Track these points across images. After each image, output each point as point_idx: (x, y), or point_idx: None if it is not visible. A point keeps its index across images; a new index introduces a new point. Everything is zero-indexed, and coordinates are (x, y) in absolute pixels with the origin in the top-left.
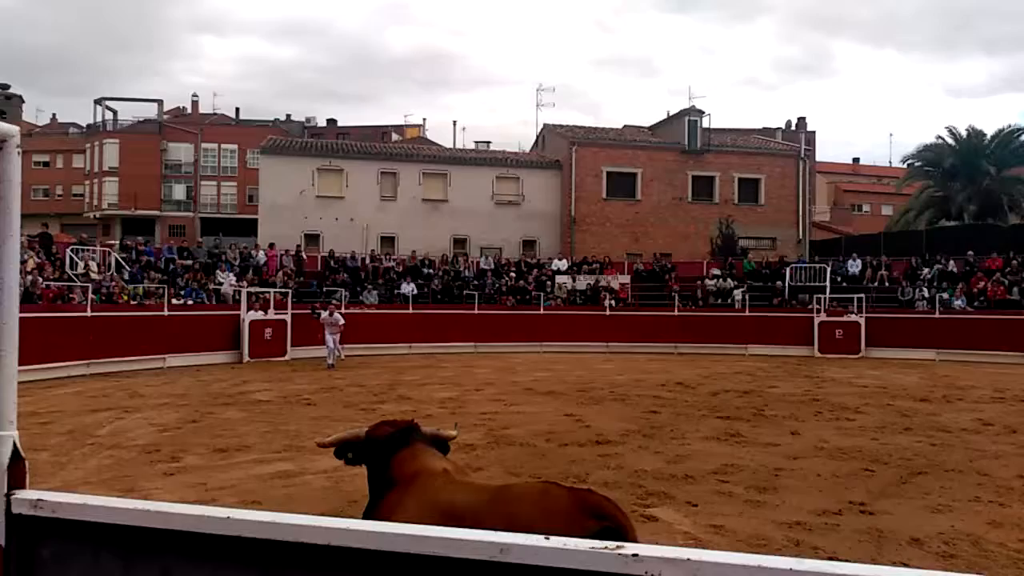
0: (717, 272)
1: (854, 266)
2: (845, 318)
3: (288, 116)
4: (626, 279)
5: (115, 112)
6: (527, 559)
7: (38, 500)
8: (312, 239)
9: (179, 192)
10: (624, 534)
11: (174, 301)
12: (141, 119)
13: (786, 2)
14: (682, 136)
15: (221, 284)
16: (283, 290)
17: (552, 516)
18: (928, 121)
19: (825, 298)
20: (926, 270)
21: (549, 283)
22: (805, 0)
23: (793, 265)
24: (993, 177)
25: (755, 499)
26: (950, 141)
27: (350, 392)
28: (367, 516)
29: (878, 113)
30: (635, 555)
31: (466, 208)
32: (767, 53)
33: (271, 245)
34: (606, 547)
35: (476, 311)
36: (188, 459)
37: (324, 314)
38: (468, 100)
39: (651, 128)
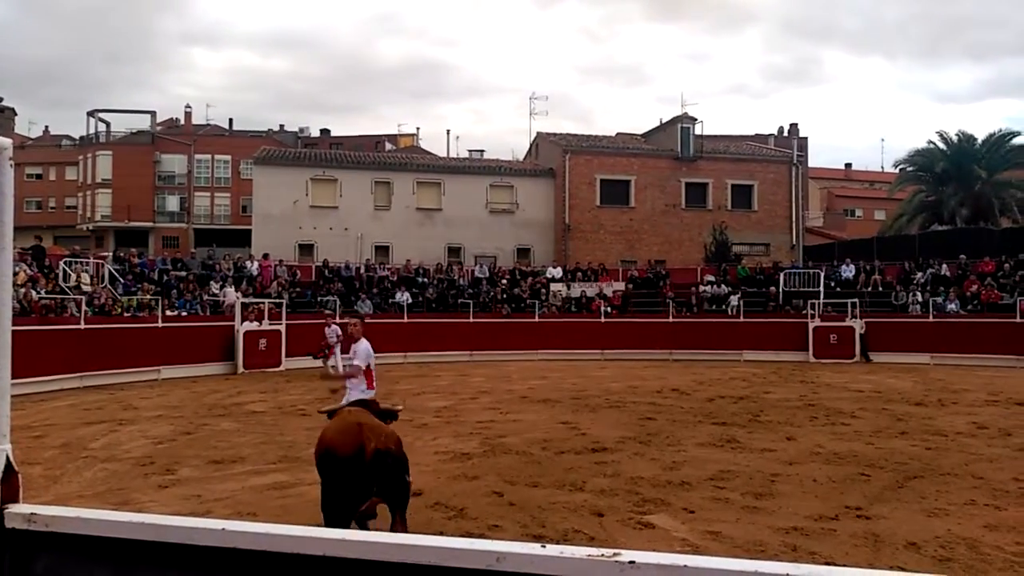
0: (711, 278)
1: (848, 271)
2: (843, 323)
3: (281, 126)
4: (620, 286)
5: (108, 124)
6: (524, 567)
7: (32, 514)
8: (306, 249)
9: (172, 203)
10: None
11: (168, 312)
12: (134, 131)
13: (772, 11)
14: (675, 143)
15: (219, 297)
16: (277, 300)
17: (344, 435)
18: (918, 127)
19: (819, 303)
20: (919, 274)
21: (544, 291)
22: (791, 9)
23: (787, 271)
24: (985, 181)
25: (752, 505)
26: (941, 146)
27: None
28: None
29: (869, 119)
30: (632, 562)
31: (460, 217)
32: (755, 61)
33: (265, 255)
34: (603, 555)
35: (471, 319)
36: (183, 471)
37: (328, 330)
38: (460, 110)
39: (644, 136)
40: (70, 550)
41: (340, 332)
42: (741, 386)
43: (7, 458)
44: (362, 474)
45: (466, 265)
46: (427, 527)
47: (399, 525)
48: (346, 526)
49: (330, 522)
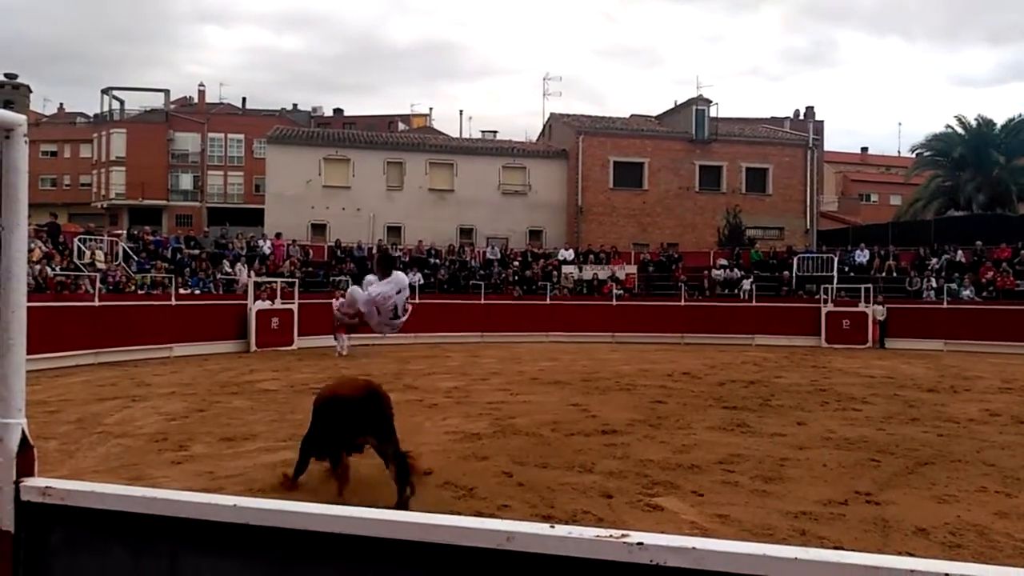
0: (724, 262)
1: (862, 256)
2: (856, 308)
3: (294, 106)
4: (633, 269)
5: (122, 102)
6: (532, 547)
7: (47, 487)
8: (319, 229)
9: (186, 182)
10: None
11: (181, 291)
12: (148, 109)
13: None
14: (689, 125)
15: (234, 276)
16: (290, 280)
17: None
18: (936, 111)
19: (832, 288)
20: (934, 260)
21: (555, 273)
22: None
23: (800, 255)
24: (1002, 167)
25: (761, 489)
26: (959, 130)
27: None
28: None
29: (886, 102)
30: (640, 543)
31: (473, 198)
32: (772, 43)
33: (278, 235)
34: (611, 536)
35: (482, 301)
36: (195, 448)
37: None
38: (473, 90)
39: (658, 117)
40: (85, 524)
41: None
42: (752, 370)
43: (23, 432)
44: (367, 411)
45: (478, 246)
46: (437, 506)
47: (394, 460)
48: (337, 456)
49: (328, 454)
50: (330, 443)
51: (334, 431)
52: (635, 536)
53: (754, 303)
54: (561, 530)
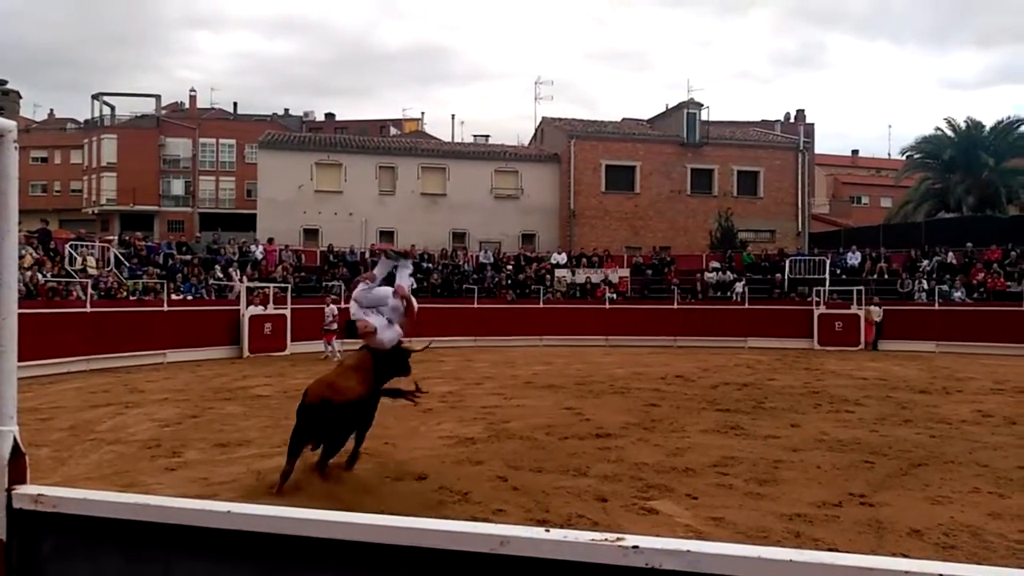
0: (716, 265)
1: (853, 258)
2: (848, 310)
3: (286, 110)
4: (625, 272)
5: (113, 107)
6: (527, 551)
7: (39, 495)
8: (311, 234)
9: (177, 187)
10: (333, 406)
11: (173, 296)
12: (139, 114)
13: None
14: (681, 129)
15: (227, 282)
16: (283, 285)
17: (313, 390)
18: (925, 113)
19: (824, 290)
20: (925, 262)
21: (548, 277)
22: None
23: (792, 257)
24: (992, 169)
25: (755, 491)
26: (949, 133)
27: None
28: None
29: (876, 105)
30: (635, 547)
31: (465, 202)
32: (761, 46)
33: (270, 240)
34: (606, 539)
35: (475, 305)
36: (189, 454)
37: (327, 309)
38: (464, 94)
39: (649, 121)
40: (77, 531)
41: (336, 311)
42: (745, 373)
43: (15, 440)
44: (316, 416)
45: (471, 251)
46: (432, 511)
47: (321, 464)
48: (294, 455)
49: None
50: (294, 438)
51: (296, 428)
52: (630, 539)
53: (746, 306)
54: (556, 534)
